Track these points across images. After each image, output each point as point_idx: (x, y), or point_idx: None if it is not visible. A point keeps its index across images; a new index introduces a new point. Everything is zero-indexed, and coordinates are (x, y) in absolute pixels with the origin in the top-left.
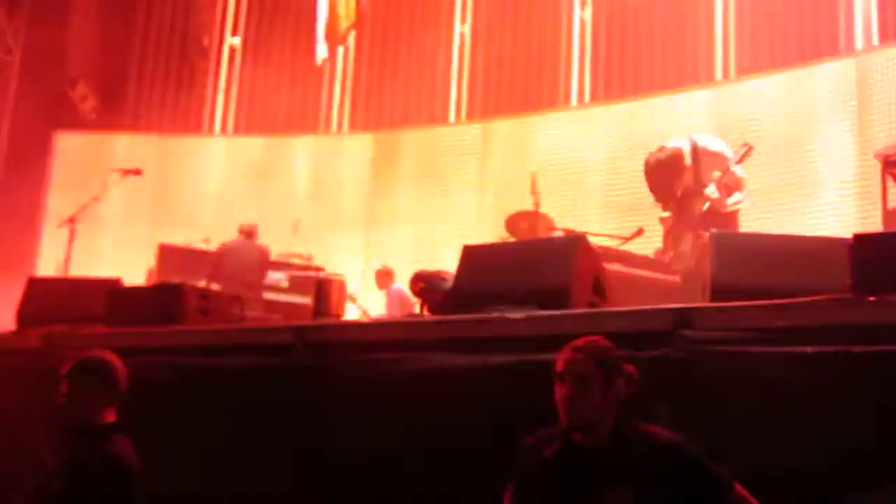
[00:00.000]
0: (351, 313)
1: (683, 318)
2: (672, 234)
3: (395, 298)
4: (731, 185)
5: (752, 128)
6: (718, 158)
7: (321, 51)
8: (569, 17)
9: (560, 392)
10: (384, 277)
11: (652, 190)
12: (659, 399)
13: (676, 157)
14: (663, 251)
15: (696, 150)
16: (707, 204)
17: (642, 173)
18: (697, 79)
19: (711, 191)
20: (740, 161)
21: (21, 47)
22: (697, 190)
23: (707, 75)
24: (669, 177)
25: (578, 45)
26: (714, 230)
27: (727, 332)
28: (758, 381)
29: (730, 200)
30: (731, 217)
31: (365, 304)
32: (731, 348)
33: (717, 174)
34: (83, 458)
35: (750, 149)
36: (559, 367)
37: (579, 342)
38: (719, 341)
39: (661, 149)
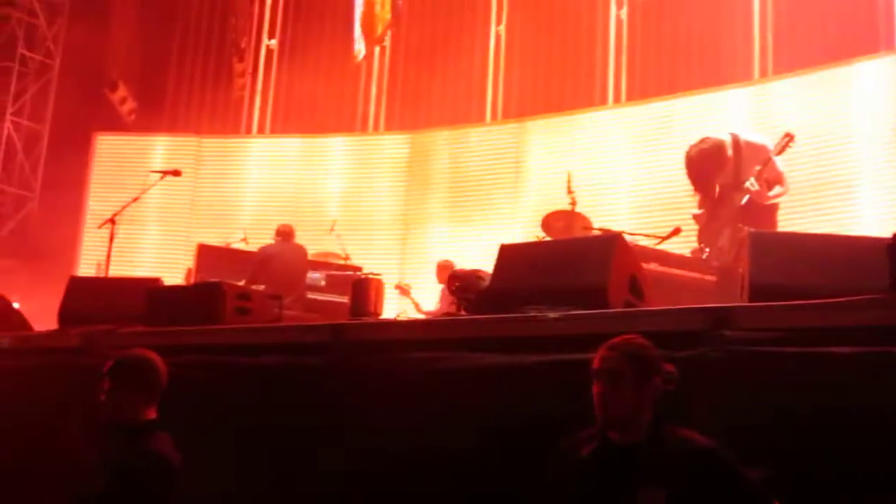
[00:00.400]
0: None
1: (721, 318)
2: (709, 229)
3: (447, 296)
4: (771, 179)
5: (789, 127)
6: (760, 152)
7: (358, 51)
8: (605, 17)
9: (595, 390)
10: (444, 271)
11: (692, 181)
12: (697, 399)
13: (719, 147)
14: (699, 249)
15: (737, 144)
16: (746, 197)
17: (679, 173)
18: (734, 77)
19: (752, 183)
20: (781, 151)
21: (61, 51)
22: (737, 184)
23: (744, 74)
24: (711, 168)
25: (615, 44)
26: (752, 230)
27: (765, 333)
28: (795, 382)
29: (770, 193)
30: (770, 211)
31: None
32: (768, 349)
33: (758, 167)
34: (124, 455)
35: (791, 138)
36: (595, 365)
37: (615, 340)
38: (757, 342)
39: (703, 140)
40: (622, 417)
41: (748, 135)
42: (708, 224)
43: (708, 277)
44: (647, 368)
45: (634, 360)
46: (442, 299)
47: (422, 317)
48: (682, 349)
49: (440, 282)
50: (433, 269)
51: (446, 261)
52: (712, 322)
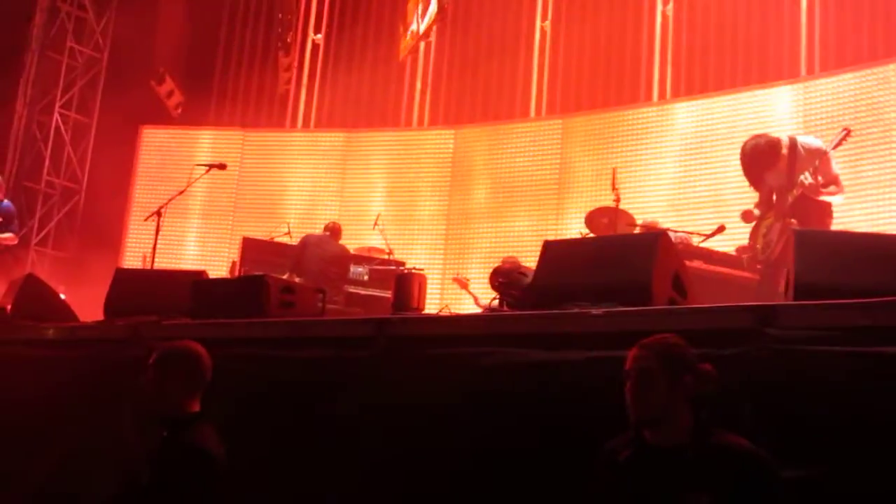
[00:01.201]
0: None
1: (766, 316)
2: (761, 226)
3: None
4: (827, 180)
5: (837, 124)
6: (816, 155)
7: (403, 47)
8: (650, 13)
9: (626, 389)
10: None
11: (745, 175)
12: (741, 398)
13: (773, 145)
14: (749, 247)
15: (794, 145)
16: (798, 191)
17: (723, 170)
18: (781, 74)
19: (805, 176)
20: (838, 145)
21: (109, 44)
22: (791, 185)
23: (791, 71)
24: (762, 163)
25: (660, 40)
26: (798, 228)
27: (810, 332)
28: (841, 381)
29: (824, 189)
30: (823, 211)
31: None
32: (813, 348)
33: (816, 163)
34: (169, 446)
35: (848, 132)
36: (626, 364)
37: (647, 340)
38: (802, 340)
39: (759, 136)
40: (650, 417)
41: (806, 138)
42: (760, 221)
43: (752, 275)
44: (677, 367)
45: (664, 358)
46: None
47: (477, 310)
48: (726, 347)
49: None
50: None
51: (511, 257)
52: (757, 320)
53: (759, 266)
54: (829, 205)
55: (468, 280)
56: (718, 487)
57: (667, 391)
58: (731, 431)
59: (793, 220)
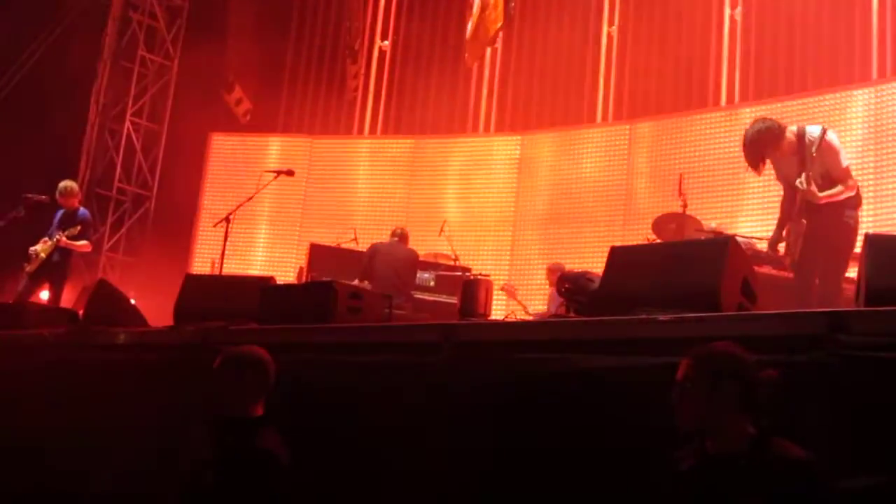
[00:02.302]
0: (498, 307)
1: (838, 321)
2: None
3: (556, 299)
4: (835, 175)
5: None
6: (829, 153)
7: (470, 54)
8: (719, 17)
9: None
10: (554, 274)
11: (745, 157)
12: (812, 404)
13: (772, 131)
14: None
15: (801, 137)
16: (799, 195)
17: None
18: (852, 78)
19: (800, 182)
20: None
21: (180, 53)
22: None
23: (863, 74)
24: (760, 148)
25: (728, 44)
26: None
27: (883, 338)
28: None
29: (823, 193)
30: (835, 207)
31: (509, 301)
32: (886, 354)
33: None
34: (234, 450)
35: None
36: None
37: (697, 349)
38: (874, 347)
39: (762, 119)
40: (692, 427)
41: (824, 133)
42: (782, 217)
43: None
44: (719, 376)
45: (701, 366)
46: (550, 302)
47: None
48: (797, 353)
49: (550, 285)
50: (542, 270)
51: (556, 263)
52: (828, 326)
53: (788, 261)
54: (837, 204)
55: (516, 289)
56: (769, 496)
57: (706, 401)
58: (793, 440)
59: (802, 222)
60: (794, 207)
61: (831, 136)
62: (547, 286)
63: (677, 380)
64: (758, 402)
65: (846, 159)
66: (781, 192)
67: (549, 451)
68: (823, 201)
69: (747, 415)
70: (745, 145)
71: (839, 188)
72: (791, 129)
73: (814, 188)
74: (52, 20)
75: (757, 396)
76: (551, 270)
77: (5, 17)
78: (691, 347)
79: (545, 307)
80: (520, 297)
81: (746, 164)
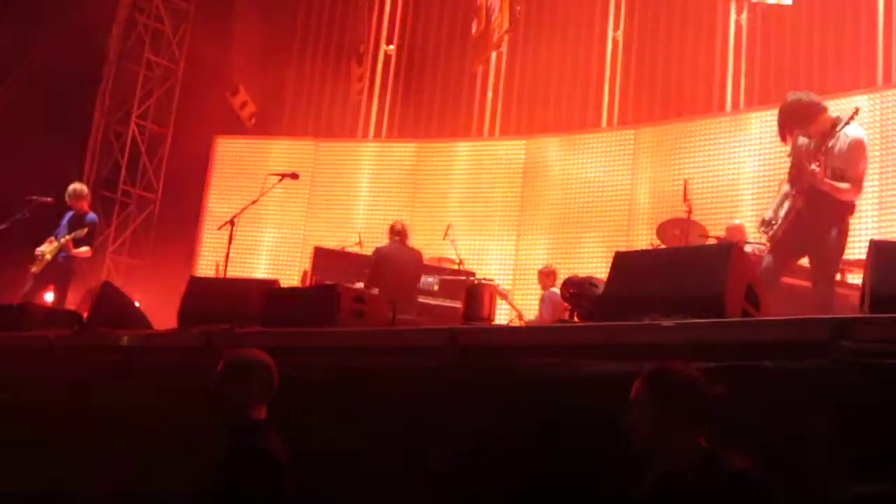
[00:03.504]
0: (502, 311)
1: (842, 328)
2: (785, 200)
3: (548, 302)
4: (847, 174)
5: None
6: (851, 147)
7: (475, 58)
8: (724, 21)
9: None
10: (546, 277)
11: (778, 123)
12: (815, 411)
13: (815, 105)
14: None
15: (835, 123)
16: (808, 177)
17: None
18: (857, 83)
19: (814, 166)
20: (847, 123)
21: (185, 55)
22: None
23: (868, 79)
24: (797, 117)
25: (734, 49)
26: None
27: (887, 345)
28: None
29: (830, 181)
30: (832, 206)
31: (517, 305)
32: (891, 361)
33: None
34: (237, 453)
35: (857, 110)
36: None
37: (647, 368)
38: (879, 353)
39: (807, 92)
40: (643, 445)
41: (853, 127)
42: (786, 197)
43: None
44: (664, 392)
45: (651, 384)
46: (542, 305)
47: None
48: (801, 360)
49: (542, 288)
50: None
51: (548, 266)
52: (832, 333)
53: (769, 234)
54: (845, 204)
55: (507, 291)
56: None
57: (657, 418)
58: (740, 453)
59: (799, 199)
60: (801, 185)
61: (863, 137)
62: (540, 290)
63: (631, 400)
64: (709, 417)
65: (866, 168)
66: None
67: (552, 456)
68: (826, 188)
69: (699, 430)
70: (780, 112)
71: (846, 185)
72: (829, 115)
73: (822, 173)
74: (58, 21)
75: (707, 411)
76: (543, 274)
77: (11, 18)
78: (700, 352)
79: (537, 312)
80: (516, 301)
81: (777, 132)
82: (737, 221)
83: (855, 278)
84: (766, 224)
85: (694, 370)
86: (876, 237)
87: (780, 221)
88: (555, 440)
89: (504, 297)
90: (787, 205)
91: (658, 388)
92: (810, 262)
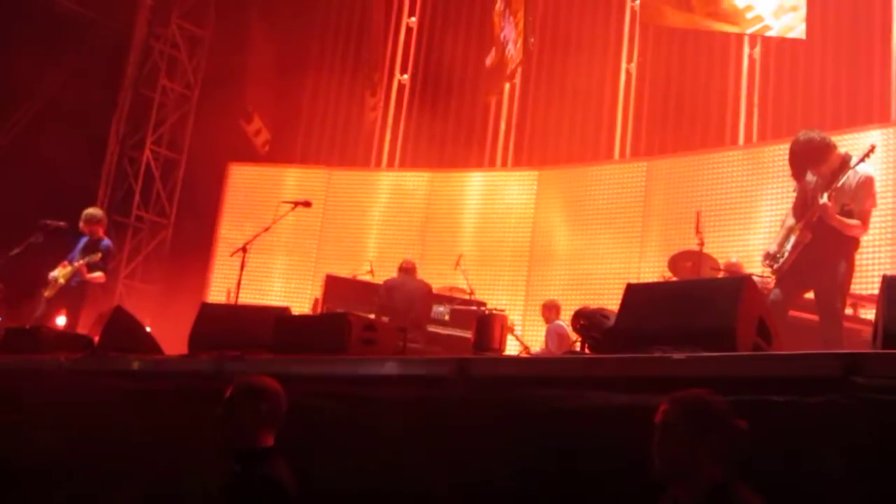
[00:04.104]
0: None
1: (854, 364)
2: (791, 232)
3: (554, 335)
4: (854, 211)
5: None
6: (861, 184)
7: (489, 88)
8: (737, 55)
9: (652, 442)
10: (550, 311)
11: (790, 164)
12: (827, 447)
13: (827, 145)
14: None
15: (845, 162)
16: (817, 211)
17: None
18: (871, 118)
19: (824, 199)
20: (862, 160)
21: (200, 82)
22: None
23: (881, 114)
24: (810, 158)
25: (746, 82)
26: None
27: None
28: None
29: (840, 216)
30: (840, 241)
31: (524, 337)
32: None
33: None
34: (243, 479)
35: (873, 149)
36: (656, 417)
37: (678, 393)
38: (892, 390)
39: (815, 130)
40: (670, 472)
41: (862, 164)
42: (792, 229)
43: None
44: (704, 423)
45: (690, 414)
46: (548, 338)
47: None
48: (812, 395)
49: (545, 322)
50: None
51: (551, 300)
52: (843, 368)
53: (775, 266)
54: (847, 239)
55: (513, 324)
56: None
57: (689, 447)
58: (751, 489)
59: (808, 234)
60: (802, 220)
61: (873, 176)
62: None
63: (659, 424)
64: (736, 453)
65: (872, 206)
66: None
67: (561, 489)
68: (836, 223)
69: (724, 464)
70: (793, 152)
71: (855, 222)
72: (839, 152)
73: (833, 208)
74: (75, 47)
75: (738, 447)
76: (546, 308)
77: (29, 44)
78: (710, 386)
79: (542, 344)
80: (526, 331)
81: (791, 173)
82: (734, 259)
83: (867, 313)
84: (770, 258)
85: (726, 402)
86: (889, 272)
87: (785, 255)
88: (564, 472)
89: (510, 331)
90: (793, 238)
91: (697, 419)
92: (816, 296)
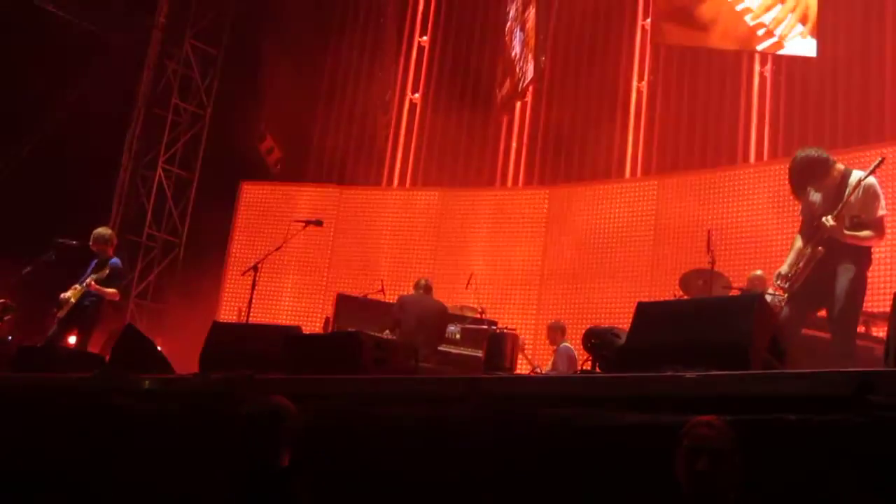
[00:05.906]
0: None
1: (866, 383)
2: (801, 253)
3: (564, 356)
4: (869, 220)
5: None
6: (869, 197)
7: (500, 107)
8: (749, 73)
9: (692, 468)
10: (556, 332)
11: (790, 182)
12: (841, 465)
13: (824, 161)
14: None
15: (845, 176)
16: (824, 232)
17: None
18: (883, 136)
19: (827, 219)
20: (872, 173)
21: (213, 101)
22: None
23: (893, 132)
24: (809, 175)
25: (758, 100)
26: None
27: None
28: None
29: (850, 231)
30: (855, 254)
31: (533, 356)
32: None
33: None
34: (260, 500)
35: (882, 160)
36: (691, 440)
37: (707, 418)
38: None
39: (815, 148)
40: (728, 500)
41: (867, 177)
42: (802, 251)
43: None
44: (738, 447)
45: (735, 437)
46: (557, 358)
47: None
48: (825, 414)
49: (551, 343)
50: (569, 325)
51: (557, 322)
52: (856, 387)
53: (786, 286)
54: (862, 251)
55: (523, 343)
56: None
57: (738, 473)
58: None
59: (820, 249)
60: (817, 236)
61: (874, 182)
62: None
63: (705, 449)
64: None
65: (883, 209)
66: None
67: None
68: (849, 240)
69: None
70: (792, 170)
71: (868, 233)
72: (838, 167)
73: (841, 226)
74: (88, 67)
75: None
76: (552, 329)
77: (43, 63)
78: (722, 404)
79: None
80: (537, 351)
81: (791, 190)
82: (759, 272)
83: (879, 331)
84: (782, 278)
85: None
86: None
87: (798, 273)
88: (577, 491)
89: (521, 350)
90: (805, 256)
91: (737, 442)
92: (828, 314)
